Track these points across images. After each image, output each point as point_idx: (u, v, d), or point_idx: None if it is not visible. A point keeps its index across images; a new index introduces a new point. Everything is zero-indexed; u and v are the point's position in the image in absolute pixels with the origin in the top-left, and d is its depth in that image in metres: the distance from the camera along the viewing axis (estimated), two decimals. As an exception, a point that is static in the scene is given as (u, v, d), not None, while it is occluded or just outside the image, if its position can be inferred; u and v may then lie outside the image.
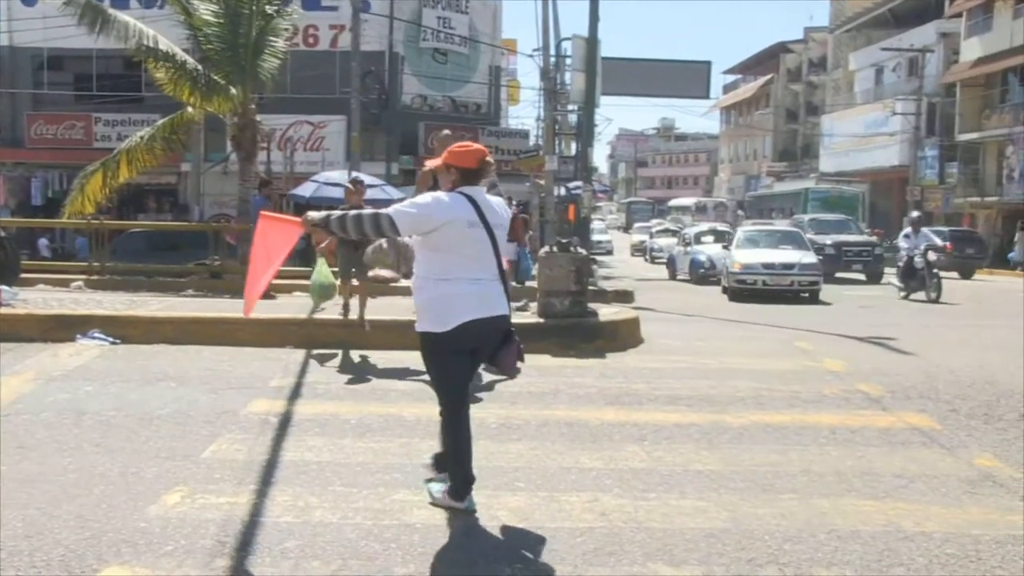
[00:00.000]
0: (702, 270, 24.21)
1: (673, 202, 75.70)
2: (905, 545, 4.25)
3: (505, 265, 4.84)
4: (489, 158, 4.62)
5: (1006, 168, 40.80)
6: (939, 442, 6.11)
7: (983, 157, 44.15)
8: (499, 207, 4.68)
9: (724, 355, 9.39)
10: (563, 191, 36.94)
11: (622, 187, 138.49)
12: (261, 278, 4.88)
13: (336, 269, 9.58)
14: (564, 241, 9.71)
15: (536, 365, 8.36)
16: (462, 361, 4.65)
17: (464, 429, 4.67)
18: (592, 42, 19.11)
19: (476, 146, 4.68)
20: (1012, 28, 40.31)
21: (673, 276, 26.72)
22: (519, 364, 4.84)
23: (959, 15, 45.53)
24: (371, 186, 21.93)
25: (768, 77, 73.33)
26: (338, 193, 19.77)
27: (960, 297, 19.97)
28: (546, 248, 9.88)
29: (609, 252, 47.00)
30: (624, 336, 9.38)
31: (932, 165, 46.15)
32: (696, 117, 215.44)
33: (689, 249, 26.24)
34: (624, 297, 16.72)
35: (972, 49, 43.90)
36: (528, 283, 13.63)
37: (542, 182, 32.73)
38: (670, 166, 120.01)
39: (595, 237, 44.77)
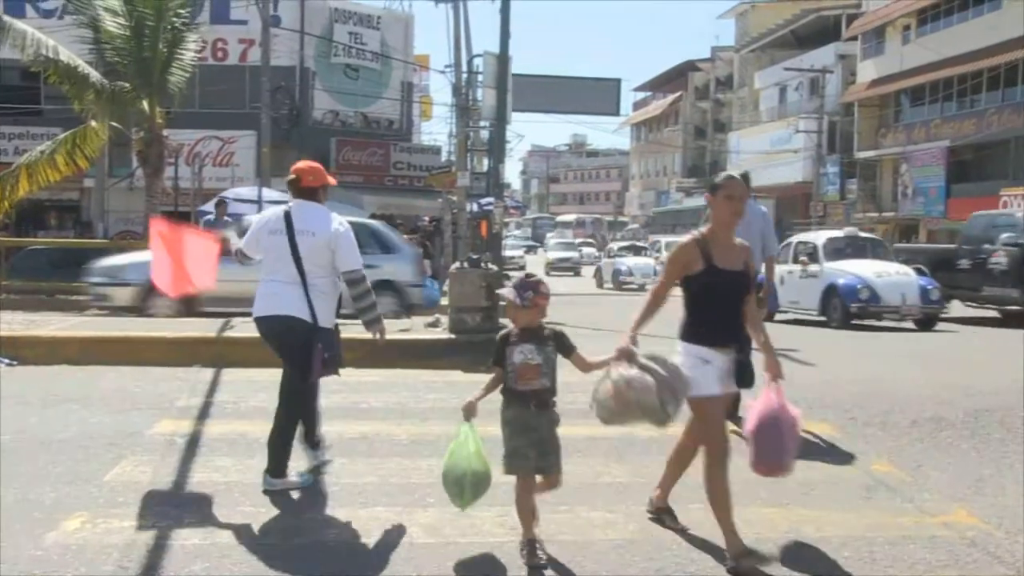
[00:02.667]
0: (621, 277, 29.95)
1: (560, 218, 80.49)
2: (806, 550, 4.38)
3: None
4: (308, 175, 5.31)
5: (900, 185, 42.32)
6: (839, 449, 6.30)
7: (880, 174, 45.73)
8: (319, 219, 5.22)
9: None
10: (475, 207, 37.11)
11: (535, 203, 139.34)
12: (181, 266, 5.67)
13: None
14: (475, 257, 9.74)
15: (448, 381, 8.37)
16: (273, 348, 5.36)
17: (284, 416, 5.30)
18: (503, 59, 19.22)
19: (302, 164, 5.42)
20: (902, 52, 41.94)
21: (600, 285, 31.50)
22: (326, 373, 5.30)
23: (855, 38, 47.18)
24: (281, 202, 21.72)
25: (677, 95, 74.75)
26: (249, 209, 19.50)
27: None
28: (457, 264, 9.89)
29: (522, 268, 47.22)
30: (536, 351, 9.44)
31: (833, 181, 47.63)
32: (607, 133, 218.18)
33: (615, 260, 32.21)
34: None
35: (867, 71, 45.53)
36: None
37: (454, 198, 32.80)
38: (582, 182, 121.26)
39: (508, 252, 44.95)
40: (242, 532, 4.47)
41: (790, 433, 4.44)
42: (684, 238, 4.53)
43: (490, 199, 25.29)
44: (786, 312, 16.30)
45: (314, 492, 5.11)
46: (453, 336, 9.29)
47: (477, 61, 28.84)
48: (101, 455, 5.80)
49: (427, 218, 32.34)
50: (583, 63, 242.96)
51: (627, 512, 4.88)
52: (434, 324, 9.90)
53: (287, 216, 5.22)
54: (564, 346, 4.43)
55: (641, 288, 26.53)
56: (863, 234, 19.55)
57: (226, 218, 14.78)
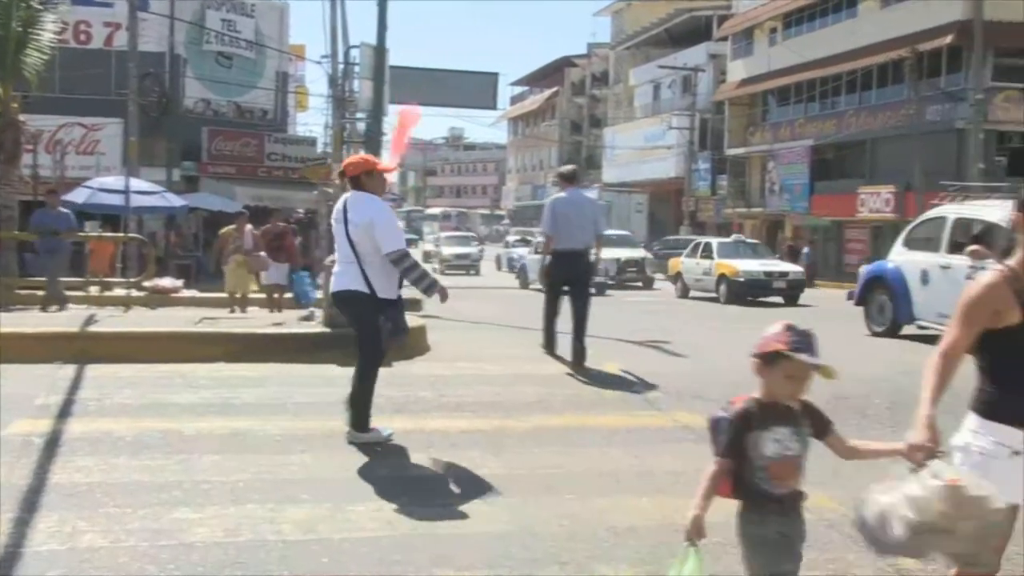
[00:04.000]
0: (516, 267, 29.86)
1: (428, 211, 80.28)
2: (676, 537, 4.41)
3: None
4: (377, 166, 6.27)
5: (768, 181, 43.80)
6: (707, 439, 6.43)
7: (749, 170, 47.18)
8: (362, 216, 5.97)
9: (509, 361, 9.56)
10: (352, 199, 36.65)
11: (412, 196, 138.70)
12: None
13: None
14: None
15: (322, 375, 8.25)
16: (352, 320, 6.35)
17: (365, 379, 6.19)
18: (380, 50, 18.95)
19: (356, 158, 6.42)
20: (769, 54, 43.40)
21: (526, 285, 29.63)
22: (394, 339, 6.28)
23: (725, 39, 48.54)
24: (150, 193, 20.97)
25: (554, 90, 75.47)
26: (115, 200, 18.77)
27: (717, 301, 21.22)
28: (332, 257, 9.73)
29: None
30: (411, 344, 9.37)
31: (705, 177, 48.92)
32: (484, 127, 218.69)
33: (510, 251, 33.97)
34: (413, 305, 16.73)
35: (737, 71, 46.92)
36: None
37: (330, 190, 32.28)
38: (459, 175, 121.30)
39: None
40: (104, 535, 4.29)
41: None
42: (988, 276, 3.10)
43: (366, 192, 24.99)
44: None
45: (186, 492, 4.95)
46: (328, 330, 9.17)
47: (354, 52, 28.47)
48: (-49, 457, 5.49)
49: (302, 210, 31.80)
50: (462, 57, 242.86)
51: (503, 504, 4.90)
52: (308, 318, 9.75)
53: (344, 205, 6.12)
54: (821, 423, 3.32)
55: None
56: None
57: (61, 209, 14.14)
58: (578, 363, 9.05)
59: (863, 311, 12.17)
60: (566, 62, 72.96)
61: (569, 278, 9.37)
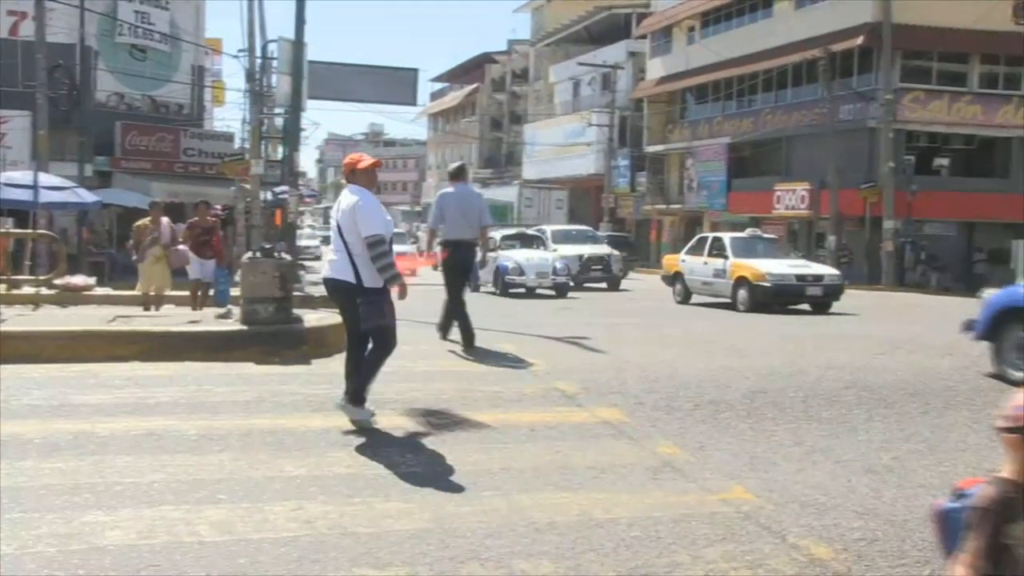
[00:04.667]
0: (508, 278, 22.28)
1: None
2: (596, 532, 4.51)
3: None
4: (360, 164, 6.73)
5: (686, 178, 44.45)
6: (627, 434, 6.53)
7: (668, 167, 47.79)
8: (348, 203, 6.54)
9: (430, 357, 9.54)
10: (270, 196, 36.13)
11: (331, 192, 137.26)
12: None
13: None
14: (268, 247, 9.49)
15: (239, 374, 8.13)
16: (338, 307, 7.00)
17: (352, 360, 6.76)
18: (298, 45, 18.80)
19: (349, 157, 6.87)
20: (687, 52, 44.02)
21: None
22: (375, 323, 6.49)
23: (644, 37, 49.07)
24: (60, 188, 20.40)
25: (474, 86, 75.39)
26: (24, 195, 18.22)
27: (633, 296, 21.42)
28: (250, 254, 9.61)
29: (318, 257, 46.40)
30: (331, 342, 9.30)
31: (624, 174, 49.40)
32: (405, 123, 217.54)
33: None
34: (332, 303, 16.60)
35: (656, 68, 47.49)
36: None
37: (248, 186, 31.82)
38: (379, 171, 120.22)
39: (303, 242, 44.09)
40: (10, 541, 4.16)
41: None
42: None
43: (285, 188, 24.72)
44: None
45: (98, 494, 4.83)
46: (245, 327, 9.03)
47: (272, 47, 28.08)
48: None
49: (219, 207, 31.22)
50: (382, 53, 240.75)
51: (422, 502, 4.89)
52: (225, 315, 9.59)
53: (339, 199, 6.75)
54: None
55: (532, 292, 22.05)
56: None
57: None
58: (469, 345, 10.00)
59: (990, 348, 9.55)
60: (486, 58, 72.96)
61: (465, 266, 10.33)
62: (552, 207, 48.78)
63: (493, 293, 21.76)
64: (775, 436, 6.57)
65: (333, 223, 6.68)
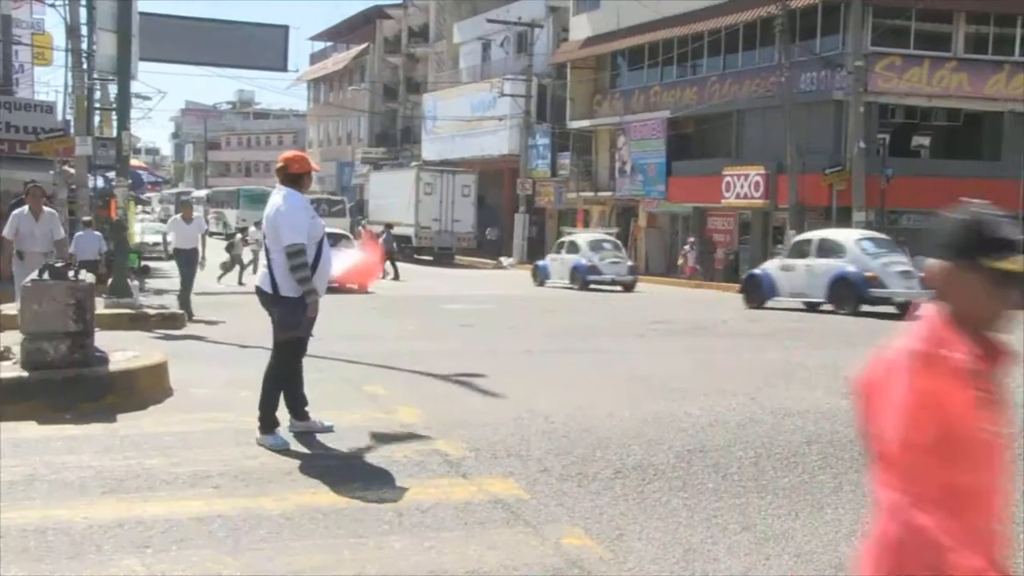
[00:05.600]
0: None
1: (194, 193, 76.55)
2: None
3: None
4: (291, 167, 7.63)
5: (618, 160, 44.29)
6: (524, 518, 5.98)
7: (596, 147, 47.69)
8: (272, 206, 7.53)
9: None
10: (102, 182, 34.86)
11: (190, 173, 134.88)
12: None
13: None
14: (59, 265, 8.70)
15: (13, 439, 7.36)
16: None
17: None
18: (125, -7, 17.85)
19: (285, 155, 7.84)
20: (618, 8, 43.83)
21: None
22: (282, 335, 7.41)
23: (568, -12, 48.91)
24: None
25: (363, 47, 74.62)
26: None
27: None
28: (34, 275, 8.79)
29: (171, 257, 45.08)
30: (144, 388, 8.56)
31: (544, 155, 49.15)
32: (278, 93, 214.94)
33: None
34: (172, 322, 15.81)
35: (582, 27, 47.31)
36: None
37: (73, 170, 30.59)
38: (249, 148, 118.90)
39: (149, 238, 42.77)
40: None
41: None
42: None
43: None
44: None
45: None
46: (26, 374, 8.23)
47: (99, -6, 26.98)
48: None
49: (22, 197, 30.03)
50: (252, 7, 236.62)
51: None
52: (2, 356, 8.74)
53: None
54: None
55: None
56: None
57: None
58: None
59: None
60: (378, 13, 72.15)
61: None
62: (458, 194, 48.17)
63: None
64: (718, 517, 6.10)
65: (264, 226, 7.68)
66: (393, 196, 49.80)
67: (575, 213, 48.40)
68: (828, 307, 22.31)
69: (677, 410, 9.08)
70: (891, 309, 21.41)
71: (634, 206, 44.15)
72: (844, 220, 32.73)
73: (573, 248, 33.62)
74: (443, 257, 46.96)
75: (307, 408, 7.76)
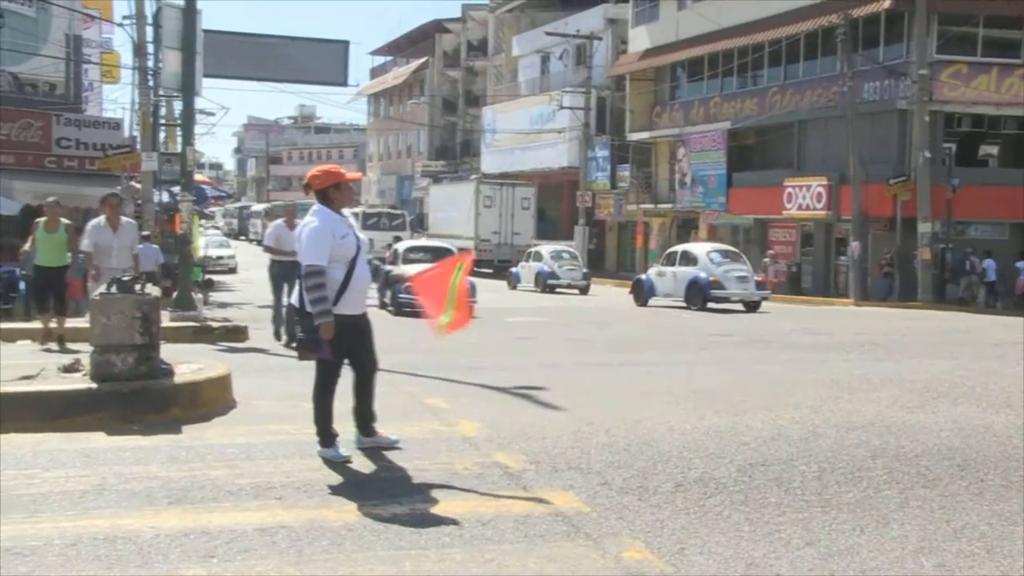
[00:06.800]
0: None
1: (253, 208, 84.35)
2: None
3: None
4: (314, 183, 7.46)
5: (677, 172, 44.11)
6: (585, 531, 5.97)
7: (655, 159, 47.53)
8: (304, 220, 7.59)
9: (337, 420, 8.91)
10: (167, 197, 35.38)
11: (252, 188, 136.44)
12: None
13: None
14: (126, 279, 8.86)
15: (83, 449, 7.50)
16: None
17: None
18: (190, 12, 18.16)
19: (320, 169, 7.60)
20: (677, 19, 43.73)
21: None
22: (304, 355, 7.48)
23: (626, 0, 48.81)
24: None
25: (422, 61, 75.04)
26: None
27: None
28: (103, 288, 8.96)
29: (232, 270, 45.68)
30: (209, 400, 8.67)
31: (603, 167, 49.07)
32: (340, 107, 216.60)
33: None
34: (235, 335, 15.97)
35: (640, 39, 47.22)
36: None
37: (139, 185, 31.11)
38: (310, 162, 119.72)
39: (213, 252, 43.38)
40: None
41: None
42: None
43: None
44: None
45: None
46: (95, 385, 8.39)
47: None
48: None
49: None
50: (311, 23, 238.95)
51: None
52: (73, 368, 8.92)
53: None
54: None
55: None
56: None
57: None
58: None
59: None
60: (437, 27, 72.57)
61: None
62: (517, 207, 48.27)
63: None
64: (780, 531, 6.04)
65: None
66: (453, 209, 49.97)
67: (635, 225, 48.27)
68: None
69: (739, 423, 9.04)
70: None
71: (694, 218, 43.94)
72: (909, 231, 32.38)
73: (689, 260, 29.75)
74: (503, 270, 47.04)
75: (375, 424, 7.77)
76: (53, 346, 13.44)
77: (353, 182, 7.79)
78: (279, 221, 15.99)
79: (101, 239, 13.24)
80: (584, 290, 37.22)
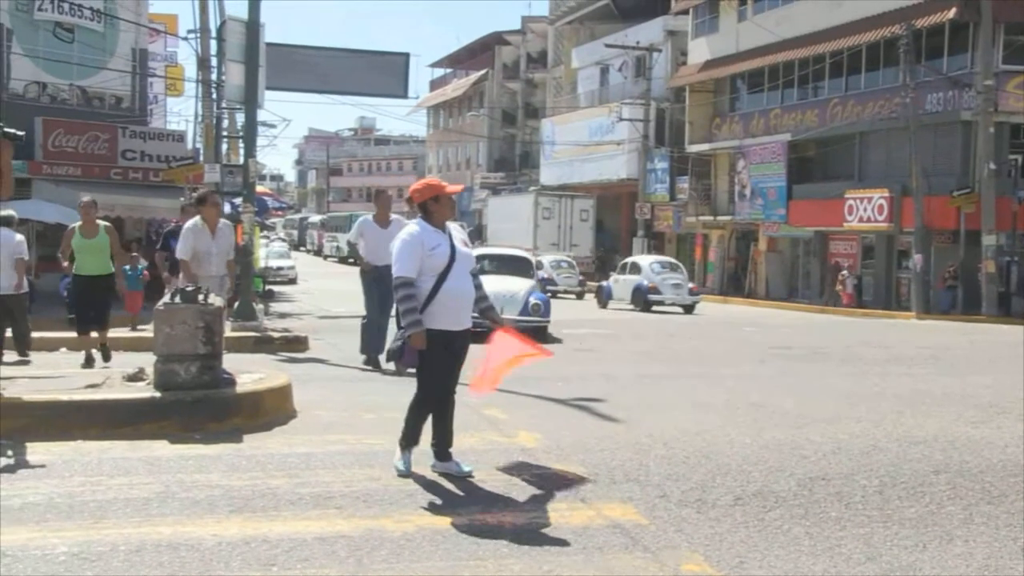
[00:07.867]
0: None
1: (311, 219, 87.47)
2: None
3: None
4: (415, 195, 7.48)
5: (737, 184, 43.87)
6: (643, 543, 5.95)
7: (715, 171, 47.29)
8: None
9: (395, 430, 8.96)
10: (229, 208, 35.78)
11: (313, 199, 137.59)
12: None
13: None
14: (189, 288, 8.98)
15: (145, 457, 7.60)
16: None
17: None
18: (253, 25, 18.40)
19: (421, 183, 7.64)
20: (737, 31, 43.54)
21: None
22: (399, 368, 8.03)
23: (685, 12, 48.68)
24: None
25: (481, 73, 75.30)
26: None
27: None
28: (166, 298, 9.09)
29: (292, 281, 46.07)
30: (269, 410, 8.75)
31: (662, 179, 48.93)
32: (399, 119, 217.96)
33: None
34: (295, 345, 16.11)
35: (700, 50, 47.06)
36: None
37: (202, 196, 31.48)
38: (370, 175, 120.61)
39: (274, 263, 43.80)
40: None
41: None
42: None
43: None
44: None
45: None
46: (158, 394, 8.50)
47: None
48: None
49: (174, 221, 30.95)
50: (371, 35, 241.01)
51: None
52: (137, 377, 9.05)
53: None
54: None
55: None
56: None
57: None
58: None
59: None
60: (496, 39, 72.83)
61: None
62: (576, 219, 48.27)
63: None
64: (841, 546, 5.98)
65: None
66: (511, 221, 50.05)
67: (694, 237, 48.06)
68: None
69: (798, 436, 8.97)
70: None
71: (754, 230, 43.65)
72: (973, 243, 31.92)
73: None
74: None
75: (451, 449, 7.54)
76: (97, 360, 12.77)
77: (454, 194, 7.74)
78: (367, 217, 13.81)
79: (200, 244, 11.92)
80: (689, 309, 33.79)
